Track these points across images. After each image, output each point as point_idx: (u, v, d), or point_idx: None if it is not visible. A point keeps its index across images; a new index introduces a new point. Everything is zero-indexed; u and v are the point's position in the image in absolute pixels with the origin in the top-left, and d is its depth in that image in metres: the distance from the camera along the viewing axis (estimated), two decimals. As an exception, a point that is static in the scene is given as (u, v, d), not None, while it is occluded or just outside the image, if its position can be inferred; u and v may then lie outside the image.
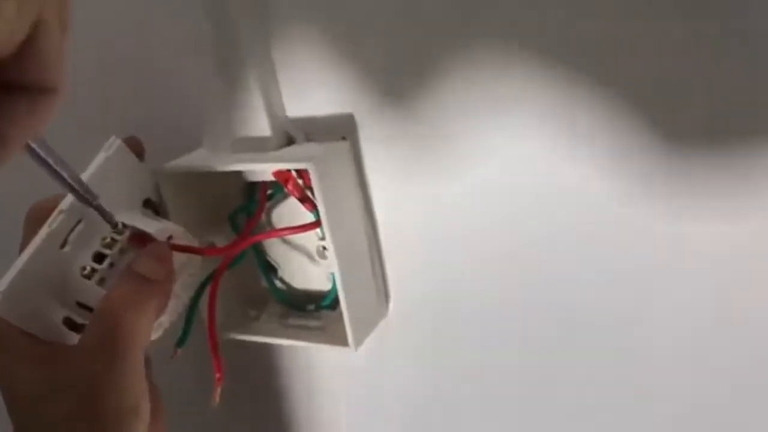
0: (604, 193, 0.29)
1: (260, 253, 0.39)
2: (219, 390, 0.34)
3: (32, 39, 0.19)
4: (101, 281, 0.32)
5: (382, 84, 0.32)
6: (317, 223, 0.34)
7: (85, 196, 0.29)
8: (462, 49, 0.29)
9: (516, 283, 0.33)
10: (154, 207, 0.35)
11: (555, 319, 0.33)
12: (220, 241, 0.37)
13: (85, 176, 0.32)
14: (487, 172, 0.31)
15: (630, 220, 0.29)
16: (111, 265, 0.32)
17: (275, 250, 0.39)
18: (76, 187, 0.28)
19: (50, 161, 0.26)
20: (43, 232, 0.31)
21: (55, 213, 0.32)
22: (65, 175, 0.27)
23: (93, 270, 0.32)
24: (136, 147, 0.34)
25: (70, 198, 0.32)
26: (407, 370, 0.38)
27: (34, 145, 0.24)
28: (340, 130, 0.34)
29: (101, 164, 0.32)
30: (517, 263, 0.32)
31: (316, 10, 0.32)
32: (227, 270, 0.36)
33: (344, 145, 0.33)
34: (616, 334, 0.32)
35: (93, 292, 0.31)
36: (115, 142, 0.33)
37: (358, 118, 0.33)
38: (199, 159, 0.35)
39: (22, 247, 0.32)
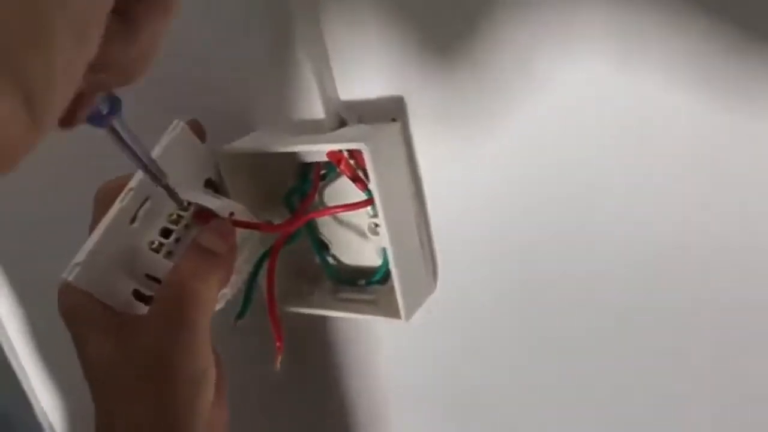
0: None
1: (313, 231, 0.41)
2: (279, 357, 0.36)
3: None
4: (168, 255, 0.34)
5: (431, 65, 0.33)
6: (368, 201, 0.36)
7: (157, 176, 0.31)
8: (509, 20, 0.31)
9: (566, 260, 0.34)
10: (214, 187, 0.38)
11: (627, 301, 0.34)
12: (276, 220, 0.39)
13: (152, 155, 0.34)
14: (539, 144, 0.32)
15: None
16: (177, 240, 0.35)
17: (327, 228, 0.41)
18: (150, 166, 0.30)
19: (129, 141, 0.28)
20: (115, 208, 0.34)
21: (125, 190, 0.34)
22: (141, 155, 0.29)
23: (161, 244, 0.34)
24: (197, 129, 0.36)
25: (138, 176, 0.34)
26: (453, 345, 0.40)
27: (116, 126, 0.26)
28: (390, 112, 0.35)
29: (167, 145, 0.35)
30: (574, 240, 0.33)
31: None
32: (283, 247, 0.38)
33: (395, 126, 0.35)
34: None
35: (161, 265, 0.34)
36: (179, 125, 0.35)
37: (408, 100, 0.35)
38: (256, 141, 0.37)
39: (92, 226, 0.34)
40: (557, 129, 0.31)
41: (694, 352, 0.33)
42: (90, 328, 0.32)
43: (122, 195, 0.34)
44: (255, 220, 0.36)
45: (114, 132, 0.27)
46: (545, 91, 0.31)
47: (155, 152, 0.34)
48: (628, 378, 0.35)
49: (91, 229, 0.34)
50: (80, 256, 0.33)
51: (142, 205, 0.34)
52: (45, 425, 0.72)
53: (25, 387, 0.71)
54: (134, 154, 0.28)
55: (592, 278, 0.34)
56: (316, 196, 0.39)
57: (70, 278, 0.32)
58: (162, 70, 0.42)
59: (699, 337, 0.32)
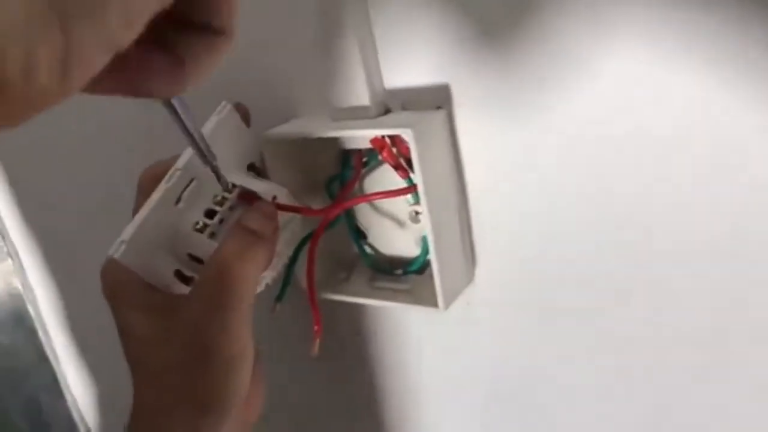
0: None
1: (351, 218, 0.41)
2: (317, 341, 0.36)
3: None
4: (212, 235, 0.35)
5: (478, 53, 0.33)
6: (410, 189, 0.36)
7: (206, 156, 0.31)
8: (558, 10, 0.30)
9: (610, 254, 0.33)
10: (256, 171, 0.38)
11: (664, 300, 0.33)
12: (316, 206, 0.39)
13: (203, 135, 0.34)
14: (585, 134, 0.32)
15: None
16: (221, 221, 0.35)
17: (365, 216, 0.41)
18: (202, 146, 0.31)
19: (185, 118, 0.28)
20: (161, 188, 0.34)
21: (171, 171, 0.35)
22: (194, 133, 0.30)
23: (205, 225, 0.35)
24: (243, 113, 0.37)
25: (185, 158, 0.35)
26: (491, 338, 0.39)
27: (175, 103, 0.27)
28: (435, 100, 0.35)
29: (214, 127, 0.35)
30: (620, 234, 0.33)
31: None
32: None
33: (440, 114, 0.35)
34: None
35: (204, 245, 0.34)
36: (226, 107, 0.36)
37: (453, 88, 0.35)
38: (299, 126, 0.38)
39: (135, 209, 0.35)
40: (603, 120, 0.31)
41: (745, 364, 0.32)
42: (132, 306, 0.33)
43: (168, 175, 0.34)
44: (297, 204, 0.36)
45: (171, 107, 0.27)
46: (592, 82, 0.31)
47: (203, 132, 0.35)
48: (671, 376, 0.34)
49: (135, 211, 0.35)
50: (126, 234, 0.33)
51: (187, 186, 0.35)
52: (75, 413, 0.73)
53: (59, 375, 0.72)
54: (188, 132, 0.29)
55: (637, 272, 0.33)
56: (357, 184, 0.40)
57: (116, 255, 0.33)
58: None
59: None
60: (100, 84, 0.19)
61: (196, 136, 0.29)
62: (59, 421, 0.74)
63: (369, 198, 0.39)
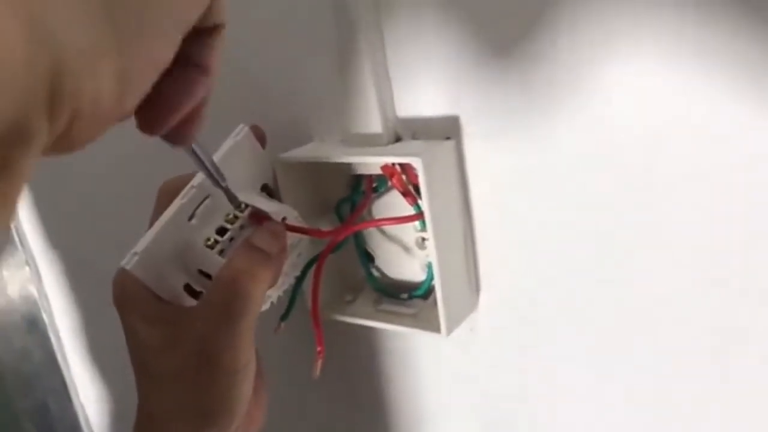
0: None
1: (360, 242, 0.42)
2: (320, 363, 0.37)
3: None
4: (221, 252, 0.36)
5: (487, 87, 0.34)
6: (418, 216, 0.37)
7: (216, 177, 0.32)
8: (567, 44, 0.31)
9: (612, 280, 0.34)
10: (269, 192, 0.39)
11: (665, 324, 0.34)
12: (326, 228, 0.40)
13: (216, 157, 0.35)
14: (591, 165, 0.33)
15: None
16: (231, 239, 0.36)
17: (373, 240, 0.42)
18: (210, 168, 0.32)
19: (194, 146, 0.29)
20: (176, 204, 0.35)
21: (187, 188, 0.36)
22: (203, 157, 0.31)
23: (215, 242, 0.36)
24: (259, 135, 0.38)
25: (201, 176, 0.36)
26: (492, 364, 0.40)
27: (194, 146, 0.28)
28: (445, 131, 0.36)
29: (230, 148, 0.36)
30: (616, 266, 0.34)
31: (427, 15, 0.35)
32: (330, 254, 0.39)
33: (449, 145, 0.36)
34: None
35: (214, 261, 0.35)
36: (243, 130, 0.37)
37: (463, 120, 0.36)
38: (312, 151, 0.39)
39: (153, 219, 0.36)
40: (609, 150, 0.32)
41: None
42: (141, 316, 0.34)
43: (184, 192, 0.36)
44: (306, 226, 0.37)
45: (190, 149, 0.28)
46: (599, 112, 0.31)
47: (219, 152, 0.36)
48: (673, 406, 0.35)
49: (152, 222, 0.36)
50: (139, 246, 0.34)
51: (201, 203, 0.36)
52: (81, 418, 0.74)
53: (68, 380, 0.73)
54: (196, 156, 0.30)
55: (645, 302, 0.34)
56: (365, 209, 0.40)
57: (128, 266, 0.34)
58: (228, 78, 0.45)
59: None
60: None
61: (205, 160, 0.30)
62: (66, 425, 0.75)
63: (377, 223, 0.40)
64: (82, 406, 0.74)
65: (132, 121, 0.54)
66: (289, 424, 0.52)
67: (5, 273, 0.70)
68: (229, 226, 0.36)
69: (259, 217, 0.36)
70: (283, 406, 0.51)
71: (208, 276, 0.36)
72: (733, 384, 0.32)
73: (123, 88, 0.19)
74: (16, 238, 0.68)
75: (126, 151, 0.55)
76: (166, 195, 0.36)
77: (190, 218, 0.36)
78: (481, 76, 0.34)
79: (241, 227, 0.36)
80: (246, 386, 0.33)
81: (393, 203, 0.40)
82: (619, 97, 0.31)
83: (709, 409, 0.33)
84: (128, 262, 0.34)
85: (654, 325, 0.33)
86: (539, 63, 0.32)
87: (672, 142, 0.30)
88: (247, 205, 0.36)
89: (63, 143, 0.18)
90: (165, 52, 0.20)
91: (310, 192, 0.40)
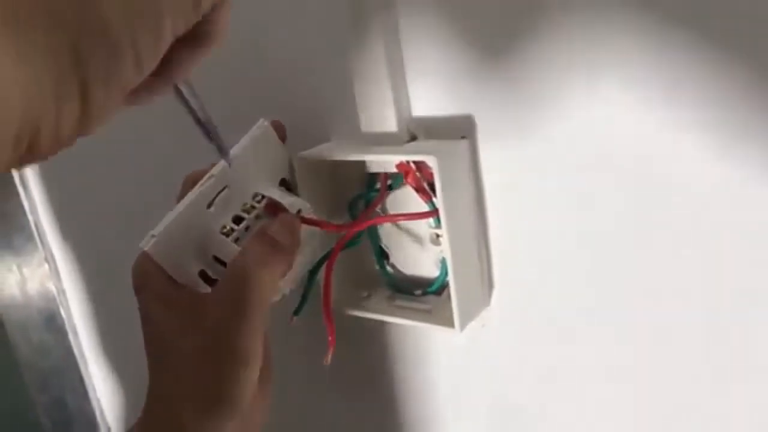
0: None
1: (375, 238, 0.43)
2: (331, 352, 0.38)
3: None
4: (236, 240, 0.36)
5: (501, 87, 0.35)
6: (432, 213, 0.38)
7: (209, 130, 0.31)
8: (583, 48, 0.32)
9: (621, 285, 0.35)
10: (287, 186, 0.40)
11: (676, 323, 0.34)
12: (340, 223, 0.41)
13: (235, 149, 0.37)
14: (603, 164, 0.33)
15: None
16: (247, 228, 0.37)
17: (389, 237, 0.43)
18: (199, 114, 0.30)
19: (191, 102, 0.29)
20: (195, 191, 0.36)
21: (206, 176, 0.37)
22: (199, 113, 0.30)
23: (231, 230, 0.37)
24: (280, 130, 0.39)
25: (220, 166, 0.37)
26: (503, 361, 0.41)
27: (182, 87, 0.28)
28: (460, 130, 0.37)
29: (250, 141, 0.37)
30: (637, 261, 0.34)
31: (443, 15, 0.36)
32: (343, 251, 0.39)
33: (463, 144, 0.37)
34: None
35: (229, 248, 0.36)
36: (264, 124, 0.38)
37: (477, 119, 0.36)
38: (330, 150, 0.40)
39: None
40: (623, 150, 0.33)
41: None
42: (157, 299, 0.35)
43: (203, 180, 0.37)
44: (320, 219, 0.38)
45: (178, 91, 0.28)
46: (612, 112, 0.32)
47: (239, 145, 0.37)
48: (673, 408, 0.35)
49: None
50: (158, 229, 0.35)
51: (220, 192, 0.37)
52: (98, 414, 0.76)
53: (85, 376, 0.74)
54: (190, 108, 0.29)
55: (655, 301, 0.34)
56: (379, 206, 0.41)
57: (146, 248, 0.35)
58: (249, 77, 0.46)
59: None
60: None
61: (200, 115, 0.30)
62: (83, 420, 0.76)
63: (390, 219, 0.41)
64: (98, 402, 0.75)
65: (151, 119, 0.55)
66: (301, 418, 0.53)
67: (25, 270, 0.72)
68: (245, 215, 0.37)
69: (275, 208, 0.37)
70: (297, 400, 0.52)
71: (223, 263, 0.36)
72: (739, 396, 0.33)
73: (86, 121, 0.20)
74: (36, 236, 0.70)
75: (145, 149, 0.56)
76: (191, 185, 0.37)
77: (209, 206, 0.37)
78: (496, 76, 0.35)
79: (257, 217, 0.37)
80: (252, 374, 0.33)
81: (407, 200, 0.40)
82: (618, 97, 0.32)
83: (719, 413, 0.34)
84: (146, 243, 0.35)
85: (667, 322, 0.34)
86: (554, 63, 0.33)
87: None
88: (263, 196, 0.37)
89: (25, 160, 0.20)
90: (133, 81, 0.22)
91: (326, 188, 0.41)
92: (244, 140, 0.37)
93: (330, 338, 0.38)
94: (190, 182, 0.37)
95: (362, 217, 0.40)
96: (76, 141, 0.21)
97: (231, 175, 0.36)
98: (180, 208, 0.36)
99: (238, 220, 0.37)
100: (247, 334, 0.33)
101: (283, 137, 0.39)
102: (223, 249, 0.36)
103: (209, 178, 0.36)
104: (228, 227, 0.37)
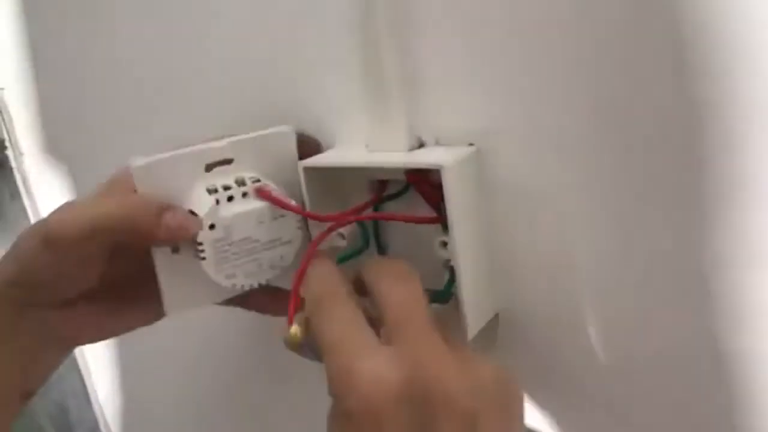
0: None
1: (381, 249, 0.42)
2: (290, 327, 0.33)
3: None
4: (216, 202, 0.36)
5: (511, 95, 0.35)
6: (435, 219, 0.37)
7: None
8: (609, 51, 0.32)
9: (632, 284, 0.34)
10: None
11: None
12: (346, 231, 0.41)
13: (252, 134, 0.38)
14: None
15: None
16: (230, 198, 0.37)
17: (394, 243, 0.42)
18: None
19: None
20: (202, 146, 0.37)
21: (219, 142, 0.37)
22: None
23: (215, 190, 0.37)
24: (311, 144, 0.40)
25: (235, 138, 0.38)
26: (512, 366, 0.40)
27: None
28: (468, 137, 0.37)
29: (269, 134, 0.38)
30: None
31: (452, 21, 0.35)
32: (349, 259, 0.39)
33: (471, 151, 0.36)
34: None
35: (206, 205, 0.36)
36: (287, 128, 0.39)
37: (486, 127, 0.36)
38: (337, 156, 0.39)
39: None
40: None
41: None
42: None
43: (214, 143, 0.37)
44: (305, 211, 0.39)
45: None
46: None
47: (251, 134, 0.38)
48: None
49: None
50: (153, 157, 0.35)
51: (224, 162, 0.37)
52: (101, 420, 0.75)
53: (87, 383, 0.74)
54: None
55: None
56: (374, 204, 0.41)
57: (134, 165, 0.35)
58: (255, 83, 0.46)
59: None
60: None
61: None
62: (85, 426, 0.76)
63: (383, 216, 0.40)
64: (101, 409, 0.75)
65: (167, 126, 0.55)
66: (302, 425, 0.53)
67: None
68: (234, 185, 0.37)
69: (265, 193, 0.37)
70: (302, 402, 0.51)
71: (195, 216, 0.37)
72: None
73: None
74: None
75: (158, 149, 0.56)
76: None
77: (209, 170, 0.37)
78: (505, 84, 0.35)
79: (244, 195, 0.37)
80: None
81: (416, 207, 0.40)
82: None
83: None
84: (136, 161, 0.35)
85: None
86: (566, 71, 0.33)
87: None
88: (259, 179, 0.37)
89: None
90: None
91: (333, 196, 0.41)
92: (258, 132, 0.38)
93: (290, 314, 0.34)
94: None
95: (351, 211, 0.40)
96: None
97: (239, 152, 0.36)
98: (182, 150, 0.36)
99: (226, 188, 0.37)
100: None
101: (313, 149, 0.40)
102: (201, 205, 0.36)
103: (220, 141, 0.37)
104: (214, 187, 0.37)
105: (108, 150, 0.58)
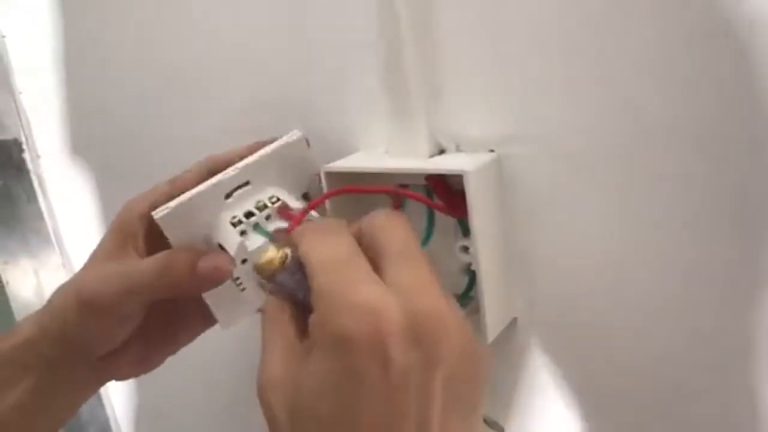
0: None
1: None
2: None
3: None
4: (242, 233, 0.37)
5: (530, 102, 0.35)
6: (448, 206, 0.38)
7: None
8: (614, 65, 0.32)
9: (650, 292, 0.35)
10: (308, 200, 0.40)
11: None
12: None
13: (262, 152, 0.37)
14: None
15: None
16: (255, 225, 0.37)
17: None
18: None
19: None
20: (218, 177, 0.37)
21: (232, 167, 0.37)
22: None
23: (239, 221, 0.37)
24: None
25: (248, 161, 0.37)
26: (528, 371, 0.41)
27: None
28: (488, 143, 0.37)
29: (280, 145, 0.38)
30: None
31: (472, 29, 0.36)
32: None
33: (492, 157, 0.37)
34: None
35: (232, 238, 0.36)
36: (295, 134, 0.38)
37: (506, 133, 0.37)
38: (360, 161, 0.40)
39: (182, 176, 0.38)
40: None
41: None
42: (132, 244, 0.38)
43: (229, 169, 0.37)
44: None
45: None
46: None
47: (267, 149, 0.37)
48: None
49: (177, 179, 0.38)
50: (173, 203, 0.36)
51: (241, 186, 0.37)
52: (112, 422, 0.76)
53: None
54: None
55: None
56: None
57: (157, 216, 0.35)
58: (279, 89, 0.46)
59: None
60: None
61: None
62: (96, 425, 0.76)
63: (384, 190, 0.40)
64: (113, 410, 0.75)
65: (170, 132, 0.56)
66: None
67: (41, 275, 0.72)
68: (256, 212, 0.37)
69: (287, 212, 0.37)
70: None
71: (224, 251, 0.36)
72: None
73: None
74: (53, 241, 0.70)
75: (164, 158, 0.56)
76: (205, 164, 0.38)
77: (227, 197, 0.37)
78: (525, 91, 0.35)
79: (267, 217, 0.37)
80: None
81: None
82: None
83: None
84: (159, 212, 0.35)
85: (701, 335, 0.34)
86: (585, 80, 0.33)
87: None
88: (279, 199, 0.37)
89: None
90: None
91: (354, 202, 0.41)
92: (273, 145, 0.38)
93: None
94: (211, 161, 0.38)
95: (341, 189, 0.39)
96: None
97: (254, 173, 0.36)
98: (199, 188, 0.36)
99: (249, 215, 0.37)
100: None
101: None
102: (228, 238, 0.36)
103: (235, 169, 0.37)
104: (237, 218, 0.37)
105: (126, 153, 0.58)
